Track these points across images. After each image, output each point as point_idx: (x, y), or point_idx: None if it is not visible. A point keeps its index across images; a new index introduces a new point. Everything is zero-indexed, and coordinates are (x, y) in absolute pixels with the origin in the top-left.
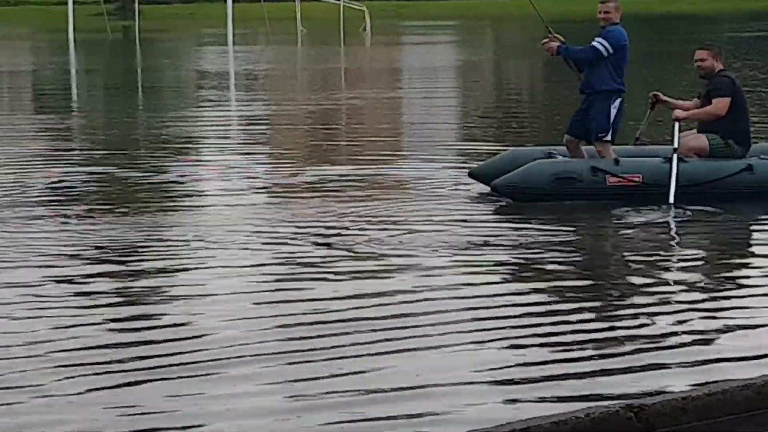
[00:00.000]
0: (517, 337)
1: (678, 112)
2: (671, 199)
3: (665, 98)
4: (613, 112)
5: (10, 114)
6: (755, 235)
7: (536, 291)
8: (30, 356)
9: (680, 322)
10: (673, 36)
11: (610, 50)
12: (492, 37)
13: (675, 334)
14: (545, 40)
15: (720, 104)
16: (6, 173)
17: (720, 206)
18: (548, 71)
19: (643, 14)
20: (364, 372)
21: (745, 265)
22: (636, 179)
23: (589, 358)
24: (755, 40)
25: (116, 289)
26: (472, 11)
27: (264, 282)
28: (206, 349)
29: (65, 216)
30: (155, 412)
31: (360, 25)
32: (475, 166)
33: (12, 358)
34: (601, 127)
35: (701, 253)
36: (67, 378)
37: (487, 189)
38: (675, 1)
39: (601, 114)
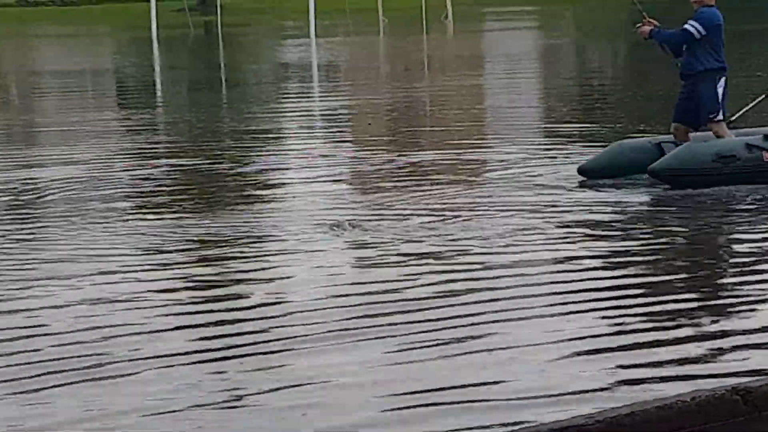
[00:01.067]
0: (618, 316)
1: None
2: None
3: None
4: (720, 91)
5: (97, 111)
6: None
7: (633, 274)
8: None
9: None
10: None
11: (702, 32)
12: (573, 22)
13: None
14: (639, 24)
15: None
16: (96, 167)
17: None
18: (634, 55)
19: None
20: (446, 343)
21: None
22: None
23: (692, 338)
24: None
25: (214, 274)
26: None
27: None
28: (299, 324)
29: (157, 207)
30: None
31: (441, 13)
32: (584, 161)
33: (129, 334)
34: (713, 108)
35: None
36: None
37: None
38: None
39: (708, 95)
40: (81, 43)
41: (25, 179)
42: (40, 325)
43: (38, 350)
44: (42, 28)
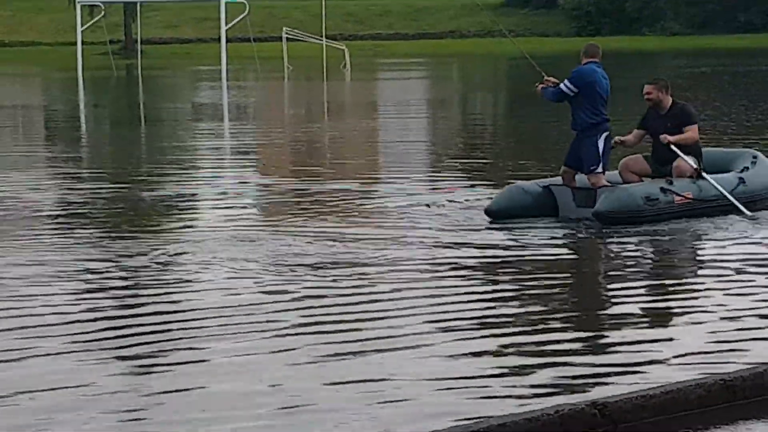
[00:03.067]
0: (489, 336)
1: (667, 137)
2: (747, 212)
3: (623, 139)
4: (601, 145)
5: (26, 144)
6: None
7: (507, 299)
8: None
9: (644, 323)
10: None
11: (574, 89)
12: (459, 74)
13: (637, 337)
14: (538, 84)
15: (696, 130)
16: (26, 193)
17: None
18: (512, 103)
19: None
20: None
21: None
22: (689, 196)
23: (560, 358)
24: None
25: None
26: (441, 49)
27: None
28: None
29: (78, 225)
30: None
31: (341, 62)
32: (489, 203)
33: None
34: (593, 162)
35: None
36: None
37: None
38: (624, 40)
39: (590, 149)
40: (12, 82)
41: None
42: None
43: None
44: None
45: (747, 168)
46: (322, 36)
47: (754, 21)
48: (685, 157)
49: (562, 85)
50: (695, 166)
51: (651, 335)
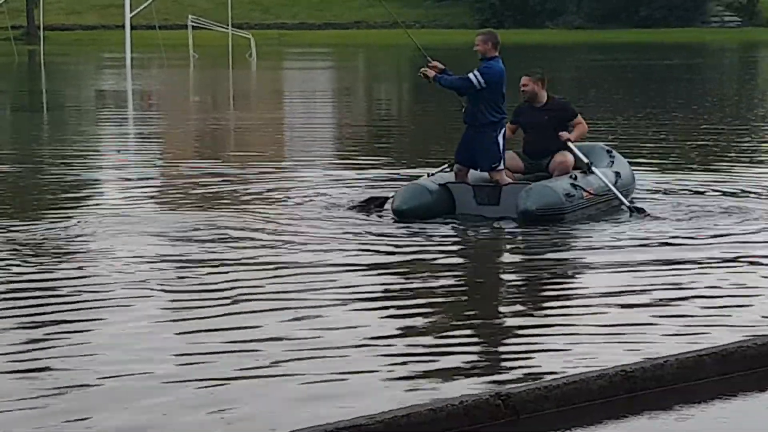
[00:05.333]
0: (402, 327)
1: (566, 134)
2: (629, 205)
3: None
4: (501, 141)
5: None
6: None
7: (408, 294)
8: None
9: (548, 325)
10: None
11: (483, 84)
12: (364, 63)
13: (544, 333)
14: (424, 70)
15: (584, 122)
16: None
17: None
18: (416, 94)
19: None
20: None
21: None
22: (591, 191)
23: (466, 348)
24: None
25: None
26: (347, 40)
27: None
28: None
29: None
30: None
31: (247, 51)
32: (397, 205)
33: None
34: (495, 158)
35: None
36: None
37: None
38: (529, 33)
39: (491, 146)
40: None
41: None
42: None
43: None
44: None
45: (612, 162)
46: (228, 24)
47: (654, 15)
48: (578, 154)
49: (471, 77)
50: (585, 160)
51: (553, 327)
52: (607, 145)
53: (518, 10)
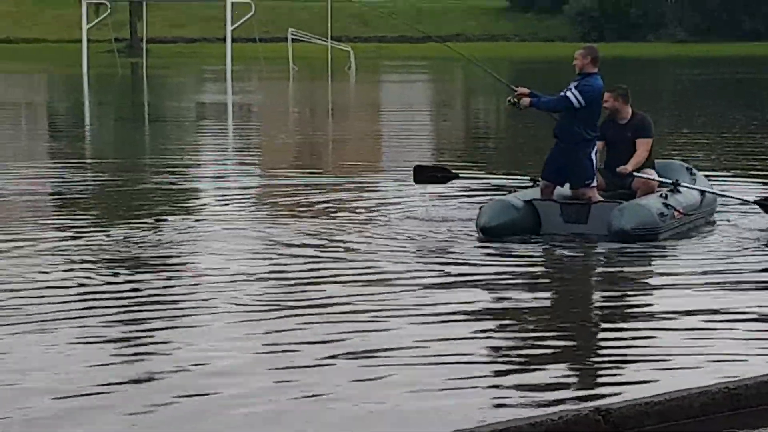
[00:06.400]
0: (493, 350)
1: (623, 169)
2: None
3: None
4: (594, 158)
5: (29, 140)
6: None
7: (506, 311)
8: None
9: (642, 337)
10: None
11: (583, 103)
12: (462, 76)
13: (637, 346)
14: (511, 99)
15: (648, 145)
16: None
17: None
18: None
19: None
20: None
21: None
22: (681, 210)
23: (564, 364)
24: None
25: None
26: (445, 53)
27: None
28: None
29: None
30: None
31: (345, 64)
32: (484, 222)
33: None
34: (589, 175)
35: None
36: None
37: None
38: (629, 46)
39: (585, 162)
40: (16, 79)
41: None
42: None
43: None
44: None
45: (694, 180)
46: (327, 37)
47: (758, 28)
48: (651, 176)
49: (571, 97)
50: (669, 180)
51: (655, 344)
52: (687, 161)
53: (619, 23)
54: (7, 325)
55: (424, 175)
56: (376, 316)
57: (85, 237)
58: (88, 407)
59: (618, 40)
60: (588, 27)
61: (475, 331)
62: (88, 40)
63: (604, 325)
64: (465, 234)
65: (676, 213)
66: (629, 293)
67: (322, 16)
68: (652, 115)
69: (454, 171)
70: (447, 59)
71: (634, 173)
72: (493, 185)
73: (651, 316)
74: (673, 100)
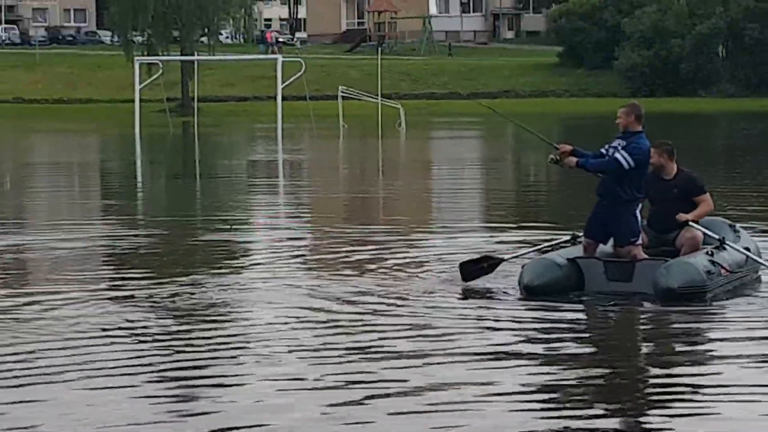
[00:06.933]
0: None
1: (683, 216)
2: None
3: None
4: (639, 216)
5: (83, 199)
6: None
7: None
8: None
9: (695, 391)
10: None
11: (632, 165)
12: (511, 132)
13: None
14: (553, 156)
15: (710, 201)
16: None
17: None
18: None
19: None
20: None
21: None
22: (727, 268)
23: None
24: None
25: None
26: (495, 109)
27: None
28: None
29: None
30: None
31: (396, 121)
32: (528, 281)
33: None
34: (634, 233)
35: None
36: None
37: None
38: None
39: (631, 219)
40: (70, 139)
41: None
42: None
43: None
44: (36, 123)
45: (738, 238)
46: (377, 94)
47: None
48: (705, 231)
49: (621, 160)
50: (716, 236)
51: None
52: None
53: (669, 78)
54: (75, 371)
55: (470, 270)
56: (419, 362)
57: (139, 290)
58: None
59: (668, 95)
60: (639, 83)
61: (530, 409)
62: (141, 100)
63: (652, 390)
64: (504, 294)
65: (722, 271)
66: (678, 355)
67: (371, 74)
68: (702, 170)
69: (498, 256)
70: (496, 115)
71: (690, 223)
72: (534, 242)
73: (701, 379)
74: (722, 154)
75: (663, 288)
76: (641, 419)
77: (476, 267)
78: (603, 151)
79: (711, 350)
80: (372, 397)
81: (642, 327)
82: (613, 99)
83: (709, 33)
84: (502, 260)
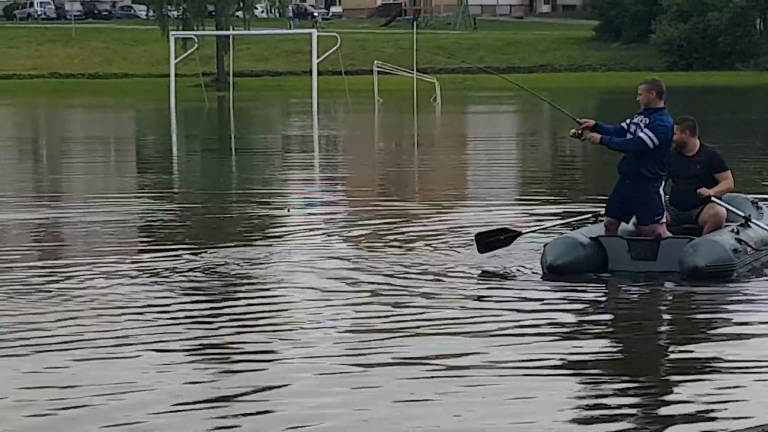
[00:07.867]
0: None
1: (706, 191)
2: None
3: None
4: (662, 193)
5: (119, 174)
6: None
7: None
8: None
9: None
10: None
11: (657, 143)
12: (547, 107)
13: (717, 396)
14: (575, 131)
15: (731, 178)
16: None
17: None
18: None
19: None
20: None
21: None
22: (753, 245)
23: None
24: None
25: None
26: (532, 83)
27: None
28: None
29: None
30: None
31: (431, 95)
32: (551, 261)
33: None
34: (659, 211)
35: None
36: None
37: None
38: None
39: (654, 197)
40: (105, 114)
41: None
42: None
43: None
44: (72, 98)
45: (761, 215)
46: (412, 69)
47: None
48: (728, 206)
49: (646, 139)
50: (741, 213)
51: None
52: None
53: (706, 52)
54: (107, 347)
55: (486, 242)
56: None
57: (173, 262)
58: (166, 426)
59: (705, 69)
60: (675, 56)
61: (560, 380)
62: (176, 75)
63: (676, 359)
64: (530, 273)
65: (748, 249)
66: (703, 333)
67: (407, 48)
68: (738, 144)
69: (516, 228)
70: (533, 90)
71: (713, 198)
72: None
73: (727, 356)
74: (759, 129)
75: (690, 267)
76: (666, 397)
77: (493, 238)
78: (624, 125)
79: (736, 329)
80: (401, 374)
81: (667, 306)
82: (650, 73)
83: (746, 6)
84: (520, 233)
